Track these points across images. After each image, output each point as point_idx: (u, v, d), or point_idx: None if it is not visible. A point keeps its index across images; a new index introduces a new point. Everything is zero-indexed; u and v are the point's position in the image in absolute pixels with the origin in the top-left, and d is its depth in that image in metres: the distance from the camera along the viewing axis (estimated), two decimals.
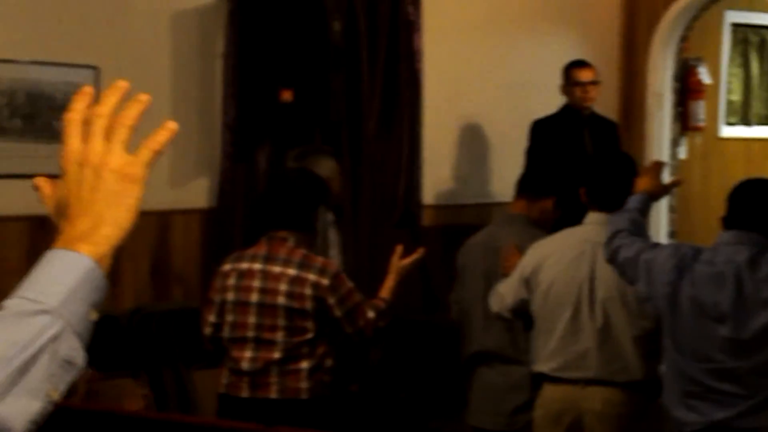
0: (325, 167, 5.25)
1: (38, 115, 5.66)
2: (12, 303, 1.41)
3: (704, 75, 8.86)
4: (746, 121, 9.60)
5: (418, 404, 6.36)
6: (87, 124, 1.50)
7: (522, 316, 4.72)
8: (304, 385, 4.39)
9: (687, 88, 8.72)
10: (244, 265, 4.48)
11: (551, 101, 7.27)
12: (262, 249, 4.49)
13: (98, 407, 4.41)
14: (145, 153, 1.50)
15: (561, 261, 4.54)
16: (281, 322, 4.38)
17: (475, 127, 7.66)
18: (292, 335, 4.38)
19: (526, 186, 5.35)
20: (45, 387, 1.39)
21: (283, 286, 4.38)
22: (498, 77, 7.71)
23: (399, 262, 4.69)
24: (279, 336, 4.38)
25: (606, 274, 4.40)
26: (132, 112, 1.50)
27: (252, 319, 4.41)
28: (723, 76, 9.33)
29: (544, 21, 8.03)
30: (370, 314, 4.47)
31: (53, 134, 5.67)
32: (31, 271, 1.45)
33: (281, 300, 4.38)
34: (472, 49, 7.59)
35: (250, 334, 4.41)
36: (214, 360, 4.71)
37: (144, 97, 1.51)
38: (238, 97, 6.26)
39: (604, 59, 8.08)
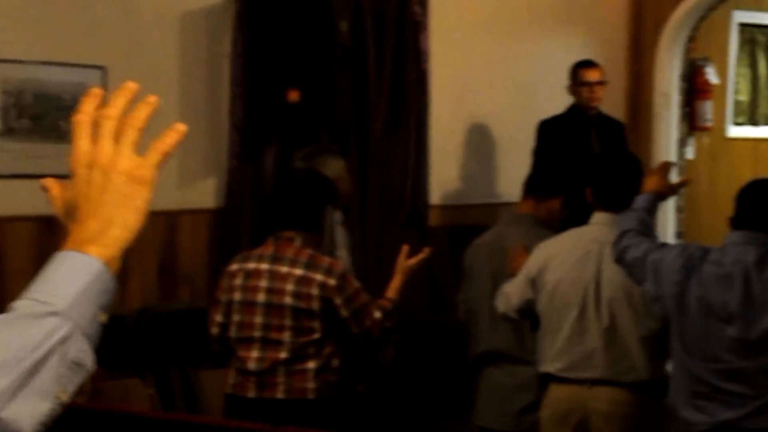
0: (334, 167, 5.25)
1: (46, 116, 5.67)
2: (21, 304, 1.41)
3: (711, 75, 8.85)
4: (754, 121, 9.59)
5: (425, 404, 6.36)
6: (96, 125, 1.50)
7: (528, 316, 4.71)
8: (310, 385, 4.39)
9: (694, 88, 8.71)
10: (251, 265, 4.48)
11: (558, 101, 7.27)
12: (269, 249, 4.49)
13: (105, 407, 4.42)
14: (154, 155, 1.50)
15: (567, 261, 4.53)
16: (288, 322, 4.38)
17: (482, 127, 7.66)
18: (299, 335, 4.38)
19: (533, 186, 5.35)
20: (54, 389, 1.39)
21: (290, 286, 4.38)
22: (505, 77, 7.71)
23: (405, 262, 4.69)
24: (286, 336, 4.38)
25: (612, 274, 4.39)
26: (141, 114, 1.50)
27: (259, 319, 4.42)
28: (730, 76, 9.32)
29: (551, 21, 8.03)
30: (377, 314, 4.47)
31: (61, 134, 5.68)
32: (41, 273, 1.45)
33: (288, 300, 4.38)
34: (479, 50, 7.58)
35: (257, 334, 4.42)
36: (221, 360, 4.71)
37: (153, 99, 1.51)
38: (245, 97, 6.26)
39: (612, 59, 8.07)
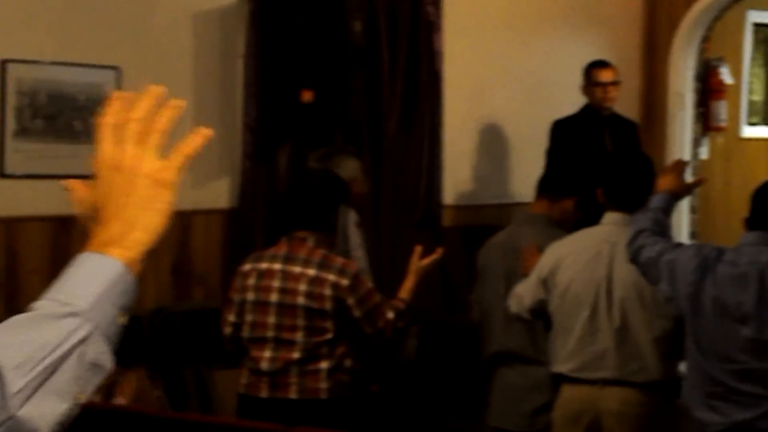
0: (349, 168, 5.26)
1: (60, 116, 5.68)
2: (42, 304, 1.42)
3: (726, 75, 8.83)
4: None
5: (438, 404, 6.35)
6: (120, 128, 1.50)
7: (541, 316, 4.71)
8: (323, 385, 4.39)
9: (708, 89, 8.69)
10: (264, 265, 4.48)
11: (572, 101, 7.26)
12: (282, 249, 4.49)
13: (118, 406, 4.43)
14: (178, 158, 1.51)
15: (578, 261, 4.53)
16: (301, 322, 4.38)
17: (495, 127, 7.65)
18: (312, 335, 4.38)
19: (546, 186, 5.34)
20: (72, 389, 1.39)
21: (302, 287, 4.38)
22: (518, 77, 7.70)
23: (418, 262, 4.68)
24: (298, 336, 4.38)
25: (623, 274, 4.39)
26: (165, 118, 1.51)
27: (272, 319, 4.42)
28: (745, 76, 9.30)
29: (565, 21, 8.02)
30: (390, 315, 4.47)
31: (75, 135, 5.69)
32: (62, 273, 1.45)
33: (301, 300, 4.38)
34: (493, 49, 7.58)
35: (270, 334, 4.42)
36: (234, 360, 4.71)
37: (178, 103, 1.52)
38: (259, 97, 6.27)
39: (626, 59, 8.06)
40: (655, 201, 4.29)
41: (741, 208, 4.20)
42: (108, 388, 4.89)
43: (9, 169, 5.54)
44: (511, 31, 7.71)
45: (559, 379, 4.59)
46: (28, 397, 1.36)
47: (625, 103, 7.72)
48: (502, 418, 5.32)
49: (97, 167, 1.50)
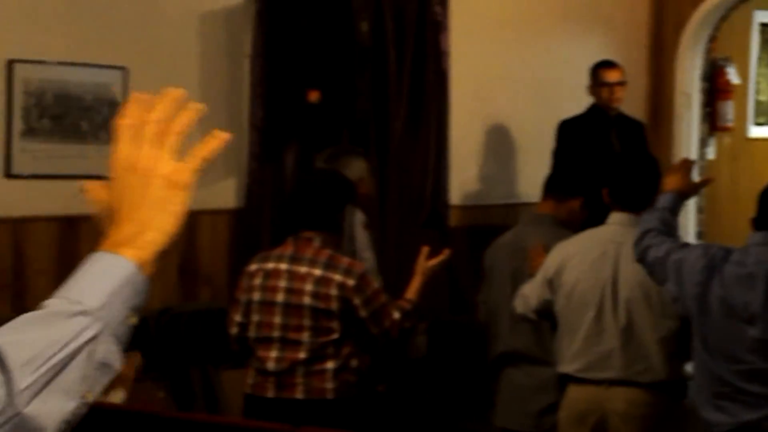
0: (357, 168, 5.26)
1: (67, 116, 5.68)
2: (52, 302, 1.43)
3: (733, 75, 8.83)
4: None
5: (445, 405, 6.35)
6: (137, 129, 1.51)
7: (547, 317, 4.71)
8: (329, 385, 4.39)
9: (715, 88, 8.68)
10: (270, 265, 4.48)
11: (578, 101, 7.25)
12: (288, 249, 4.49)
13: (125, 407, 4.43)
14: (194, 160, 1.52)
15: (584, 261, 4.53)
16: (307, 322, 4.38)
17: (502, 128, 7.65)
18: (318, 335, 4.38)
19: (553, 186, 5.34)
20: (80, 388, 1.40)
21: (308, 287, 4.38)
22: (525, 77, 7.70)
23: (425, 263, 4.68)
24: (305, 336, 4.38)
25: (629, 274, 4.38)
26: (183, 120, 1.52)
27: (278, 319, 4.42)
28: (752, 76, 9.29)
29: (572, 21, 8.01)
30: (396, 315, 4.47)
31: (81, 135, 5.70)
32: (74, 272, 1.45)
33: (307, 300, 4.38)
34: (499, 49, 7.58)
35: (276, 334, 4.42)
36: (241, 360, 4.71)
37: (197, 106, 1.53)
38: (265, 97, 6.27)
39: (632, 59, 8.06)
40: (663, 201, 4.28)
41: (748, 208, 4.19)
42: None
43: (16, 169, 5.55)
44: (517, 31, 7.71)
45: (565, 380, 4.59)
46: (35, 395, 1.36)
47: (632, 103, 7.72)
48: (509, 419, 5.32)
49: (113, 168, 1.51)
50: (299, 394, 4.39)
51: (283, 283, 4.42)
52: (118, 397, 4.58)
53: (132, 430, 4.03)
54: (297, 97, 6.31)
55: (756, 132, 9.41)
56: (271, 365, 4.42)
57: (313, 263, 4.41)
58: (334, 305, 4.37)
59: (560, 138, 7.15)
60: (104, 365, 1.42)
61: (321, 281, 4.38)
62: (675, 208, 4.30)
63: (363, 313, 4.40)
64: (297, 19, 6.30)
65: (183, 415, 4.83)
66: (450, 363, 6.41)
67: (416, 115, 6.81)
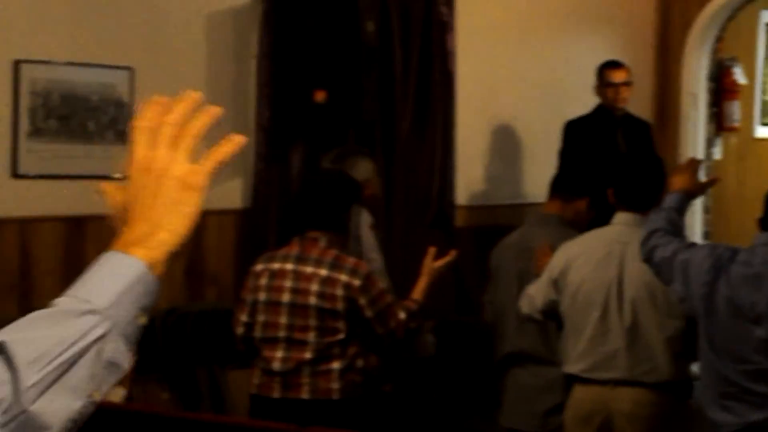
0: (363, 169, 5.26)
1: (73, 116, 5.69)
2: (62, 301, 1.43)
3: (739, 75, 8.82)
4: None
5: (451, 405, 6.35)
6: (154, 131, 1.52)
7: (552, 317, 4.71)
8: (335, 385, 4.39)
9: (722, 89, 8.68)
10: (276, 265, 4.49)
11: (585, 102, 7.25)
12: (294, 249, 4.49)
13: (131, 407, 4.43)
14: (209, 163, 1.52)
15: (589, 261, 4.53)
16: (313, 322, 4.39)
17: (508, 128, 7.65)
18: (324, 335, 4.39)
19: (559, 186, 5.34)
20: (87, 387, 1.40)
21: (314, 287, 4.38)
22: (531, 77, 7.70)
23: (432, 263, 4.68)
24: (310, 336, 4.39)
25: (634, 274, 4.38)
26: (200, 123, 1.53)
27: (284, 319, 4.42)
28: (758, 76, 9.28)
29: (578, 21, 8.01)
30: (402, 315, 4.47)
31: (88, 135, 5.70)
32: (85, 271, 1.46)
33: (313, 300, 4.38)
34: (506, 50, 7.58)
35: (282, 334, 4.42)
36: (247, 360, 4.72)
37: (214, 110, 1.54)
38: (272, 97, 6.27)
39: (639, 60, 8.05)
40: (669, 200, 4.28)
41: (754, 208, 4.18)
42: None
43: (22, 169, 5.55)
44: (524, 31, 7.71)
45: (571, 380, 4.59)
46: (42, 392, 1.36)
47: (638, 103, 7.71)
48: (515, 419, 5.32)
49: (129, 169, 1.51)
50: (305, 395, 4.40)
51: (288, 283, 4.43)
52: (117, 395, 4.58)
53: (138, 431, 4.03)
54: (303, 98, 6.31)
55: (762, 132, 9.40)
56: (276, 365, 4.42)
57: (318, 263, 4.42)
58: (339, 305, 4.37)
59: (566, 138, 7.15)
60: (112, 364, 1.42)
61: (327, 281, 4.38)
62: (682, 208, 4.30)
63: (368, 313, 4.40)
64: (303, 20, 6.30)
65: (189, 415, 4.83)
66: (456, 363, 6.41)
67: (422, 116, 6.81)
